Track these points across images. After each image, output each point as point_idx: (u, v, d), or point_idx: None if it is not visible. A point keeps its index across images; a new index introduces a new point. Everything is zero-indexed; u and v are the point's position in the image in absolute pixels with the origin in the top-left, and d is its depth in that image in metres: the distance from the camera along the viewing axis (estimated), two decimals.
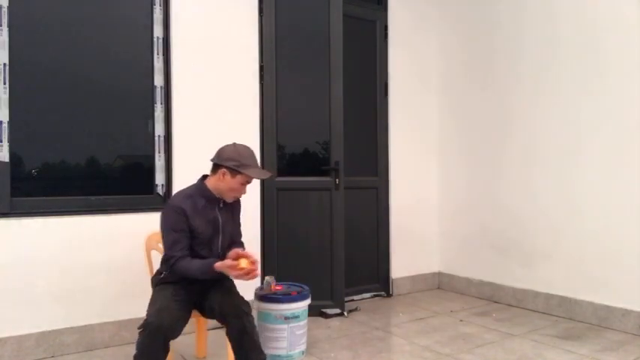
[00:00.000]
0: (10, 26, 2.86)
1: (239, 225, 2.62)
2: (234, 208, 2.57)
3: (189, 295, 2.34)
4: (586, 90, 3.49)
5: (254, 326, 2.29)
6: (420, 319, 3.65)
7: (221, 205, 2.47)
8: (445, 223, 4.61)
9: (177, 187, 3.30)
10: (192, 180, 3.35)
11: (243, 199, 3.55)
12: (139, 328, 2.10)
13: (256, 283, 3.54)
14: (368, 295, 4.28)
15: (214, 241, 2.43)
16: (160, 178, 3.34)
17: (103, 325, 3.01)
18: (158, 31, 3.34)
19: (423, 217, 4.60)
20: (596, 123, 3.43)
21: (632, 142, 3.23)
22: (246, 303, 2.32)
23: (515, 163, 3.98)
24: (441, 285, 4.64)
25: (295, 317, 2.79)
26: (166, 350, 2.16)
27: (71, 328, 2.92)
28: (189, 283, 2.34)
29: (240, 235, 2.63)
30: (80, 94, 3.12)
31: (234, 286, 2.44)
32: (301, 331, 2.84)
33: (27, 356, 2.79)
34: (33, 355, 2.81)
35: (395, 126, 4.41)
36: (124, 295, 3.07)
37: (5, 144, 2.85)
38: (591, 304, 3.45)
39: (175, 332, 2.17)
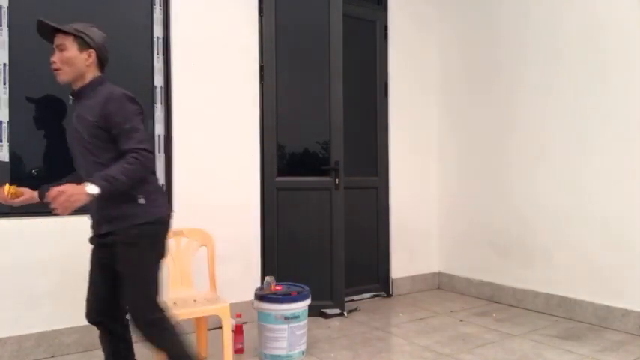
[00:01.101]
0: (10, 26, 2.87)
1: (116, 125, 1.84)
2: (96, 101, 1.88)
3: (105, 265, 1.99)
4: (588, 88, 3.49)
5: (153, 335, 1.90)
6: (420, 319, 3.65)
7: (72, 100, 1.99)
8: (445, 223, 4.61)
9: (177, 187, 3.31)
10: (193, 180, 3.37)
11: (243, 196, 3.58)
12: None
13: (255, 282, 3.55)
14: (368, 295, 4.28)
15: (74, 150, 1.96)
16: (159, 178, 3.34)
17: None
18: (158, 31, 3.34)
19: (423, 216, 4.60)
20: (598, 123, 3.43)
21: (632, 142, 3.23)
22: (142, 303, 1.87)
23: (516, 163, 3.98)
24: (441, 285, 4.64)
25: (295, 317, 2.79)
26: (115, 336, 1.99)
27: (71, 328, 2.92)
28: (98, 249, 2.01)
29: (122, 137, 1.83)
30: None
31: (132, 277, 1.89)
32: (301, 331, 2.84)
33: (27, 356, 2.79)
34: (33, 355, 2.81)
35: (395, 126, 4.42)
36: None
37: (5, 144, 2.85)
38: (591, 304, 3.45)
39: (106, 319, 1.99)
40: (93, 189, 1.68)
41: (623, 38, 3.28)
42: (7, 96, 2.86)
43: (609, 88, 3.36)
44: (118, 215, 1.87)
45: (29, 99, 2.95)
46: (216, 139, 3.47)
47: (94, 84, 1.96)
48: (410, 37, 4.53)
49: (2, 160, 2.84)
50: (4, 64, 2.86)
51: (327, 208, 3.71)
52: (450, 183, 4.57)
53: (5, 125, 2.85)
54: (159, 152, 3.34)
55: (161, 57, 3.35)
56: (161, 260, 1.96)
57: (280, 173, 3.70)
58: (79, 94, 1.96)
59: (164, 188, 3.34)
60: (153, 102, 3.33)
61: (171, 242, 2.84)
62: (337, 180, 3.71)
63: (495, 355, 2.88)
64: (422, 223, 4.59)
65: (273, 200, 3.67)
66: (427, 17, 4.64)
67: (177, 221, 3.23)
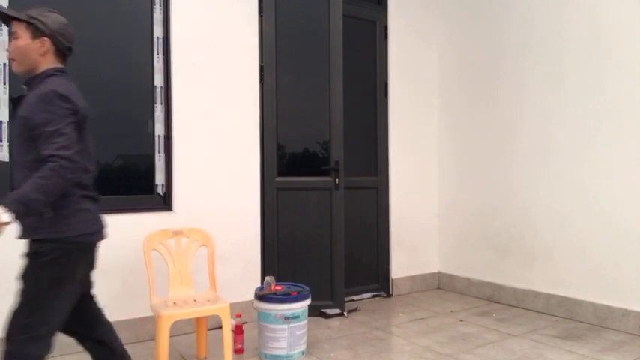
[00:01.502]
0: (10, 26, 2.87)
1: (38, 126, 1.65)
2: (33, 95, 1.71)
3: None
4: (589, 88, 3.49)
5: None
6: (420, 319, 3.65)
7: (26, 90, 1.82)
8: (445, 223, 4.61)
9: (178, 187, 3.31)
10: (192, 180, 3.37)
11: (243, 196, 3.59)
12: None
13: (255, 282, 3.55)
14: (368, 295, 4.28)
15: None
16: (159, 178, 3.34)
17: None
18: (158, 31, 3.34)
19: (423, 216, 4.60)
20: (599, 123, 3.43)
21: (631, 142, 3.23)
22: (14, 325, 1.68)
23: (516, 163, 3.98)
24: (441, 285, 4.64)
25: (295, 317, 2.79)
26: (94, 343, 1.98)
27: None
28: None
29: (43, 140, 1.64)
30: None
31: (21, 293, 1.73)
32: (301, 331, 2.84)
33: None
34: None
35: (395, 126, 4.42)
36: (124, 295, 3.07)
37: (5, 144, 2.85)
38: (591, 304, 3.45)
39: (75, 327, 1.95)
40: (5, 217, 1.52)
41: (626, 39, 3.28)
42: (7, 96, 2.86)
43: (610, 89, 3.35)
44: (26, 225, 1.72)
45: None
46: (216, 139, 3.47)
47: (42, 76, 1.78)
48: (410, 37, 4.52)
49: (2, 160, 2.84)
50: (4, 64, 2.86)
51: (327, 208, 3.71)
52: (449, 183, 4.57)
53: (5, 125, 2.85)
54: (159, 152, 3.34)
55: (161, 57, 3.35)
56: (61, 288, 1.72)
57: (280, 173, 3.70)
58: (29, 85, 1.80)
59: (164, 188, 3.35)
60: (153, 102, 3.32)
61: (171, 242, 2.84)
62: (337, 180, 3.71)
63: (495, 355, 2.88)
64: (422, 223, 4.59)
65: (273, 200, 3.67)
66: (427, 17, 4.64)
67: (177, 221, 3.25)
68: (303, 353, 2.87)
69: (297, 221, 3.69)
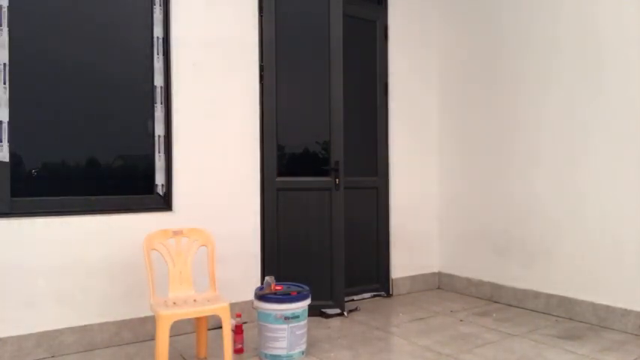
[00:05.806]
0: (10, 26, 2.87)
1: None
2: None
3: None
4: (586, 90, 3.49)
5: None
6: (420, 319, 3.65)
7: None
8: (445, 222, 4.61)
9: (177, 187, 3.31)
10: (192, 180, 3.37)
11: (243, 196, 3.59)
12: None
13: (255, 282, 3.55)
14: (368, 295, 4.28)
15: None
16: (159, 178, 3.34)
17: (102, 325, 3.01)
18: (158, 31, 3.34)
19: (423, 216, 4.60)
20: (596, 123, 3.43)
21: (631, 142, 3.24)
22: None
23: (516, 163, 3.98)
24: (441, 285, 4.64)
25: (295, 317, 2.79)
26: None
27: (71, 328, 2.92)
28: None
29: None
30: (80, 93, 3.12)
31: None
32: (301, 331, 2.84)
33: (27, 356, 2.79)
34: (33, 355, 2.81)
35: (395, 126, 4.42)
36: (124, 294, 3.07)
37: (5, 144, 2.85)
38: (591, 304, 3.45)
39: None
40: None
41: (622, 41, 3.28)
42: (7, 96, 2.86)
43: (609, 90, 3.36)
44: None
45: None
46: (216, 139, 3.47)
47: None
48: (410, 37, 4.53)
49: (2, 160, 2.84)
50: (4, 64, 2.86)
51: (327, 208, 3.71)
52: (450, 183, 4.57)
53: (5, 125, 2.85)
54: (159, 152, 3.34)
55: (161, 57, 3.35)
56: None
57: (280, 173, 3.70)
58: None
59: (164, 188, 3.35)
60: (153, 102, 3.33)
61: (171, 242, 2.84)
62: (337, 180, 3.71)
63: (495, 355, 2.88)
64: (422, 223, 4.59)
65: (273, 200, 3.67)
66: (427, 17, 4.64)
67: (177, 221, 3.25)
68: (303, 353, 2.87)
69: (297, 221, 3.69)
